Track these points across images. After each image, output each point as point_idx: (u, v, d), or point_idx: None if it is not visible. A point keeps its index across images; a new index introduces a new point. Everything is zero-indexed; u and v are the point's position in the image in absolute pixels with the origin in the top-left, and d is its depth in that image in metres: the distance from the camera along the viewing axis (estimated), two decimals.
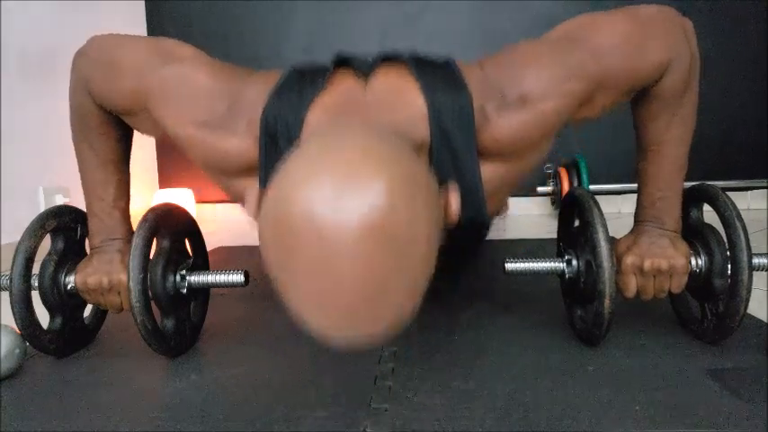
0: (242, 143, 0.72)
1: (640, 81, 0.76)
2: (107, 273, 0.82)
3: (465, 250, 1.12)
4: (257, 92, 0.73)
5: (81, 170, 0.87)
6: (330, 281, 0.47)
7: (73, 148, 0.87)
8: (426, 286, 0.53)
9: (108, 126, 0.85)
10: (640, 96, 0.80)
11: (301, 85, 0.72)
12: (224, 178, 0.78)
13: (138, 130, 0.85)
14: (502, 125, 0.70)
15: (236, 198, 0.80)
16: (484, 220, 0.77)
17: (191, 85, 0.75)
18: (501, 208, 1.25)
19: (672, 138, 0.81)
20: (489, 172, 0.73)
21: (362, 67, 0.74)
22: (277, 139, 0.71)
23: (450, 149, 0.70)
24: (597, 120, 0.80)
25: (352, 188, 0.46)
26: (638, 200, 0.85)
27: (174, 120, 0.75)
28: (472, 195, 0.73)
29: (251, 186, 0.74)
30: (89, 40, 0.83)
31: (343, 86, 0.72)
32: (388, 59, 0.73)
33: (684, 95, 0.79)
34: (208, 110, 0.73)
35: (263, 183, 0.73)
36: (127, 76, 0.78)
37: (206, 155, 0.75)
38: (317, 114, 0.70)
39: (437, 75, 0.71)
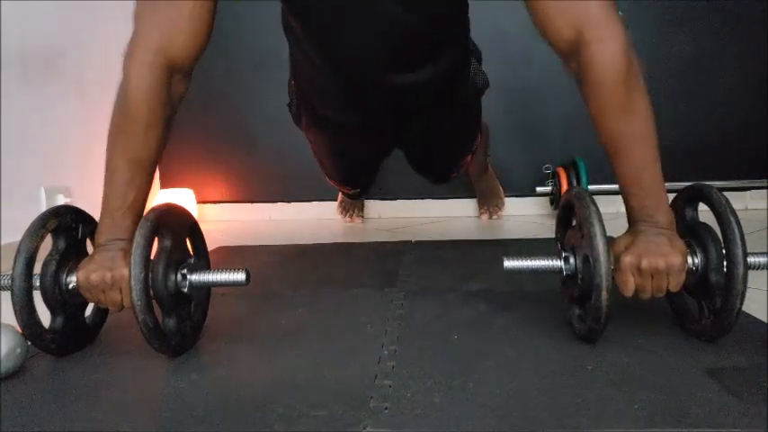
0: None
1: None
2: (109, 269, 0.82)
3: None
4: None
5: (108, 167, 0.86)
6: None
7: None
8: None
9: (155, 116, 0.86)
10: (581, 82, 0.83)
11: None
12: None
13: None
14: None
15: None
16: None
17: None
18: None
19: (630, 136, 0.81)
20: None
21: None
22: None
23: None
24: None
25: None
26: (624, 202, 0.84)
27: None
28: None
29: None
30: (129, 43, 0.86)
31: None
32: None
33: (627, 86, 0.80)
34: None
35: None
36: None
37: None
38: None
39: None
